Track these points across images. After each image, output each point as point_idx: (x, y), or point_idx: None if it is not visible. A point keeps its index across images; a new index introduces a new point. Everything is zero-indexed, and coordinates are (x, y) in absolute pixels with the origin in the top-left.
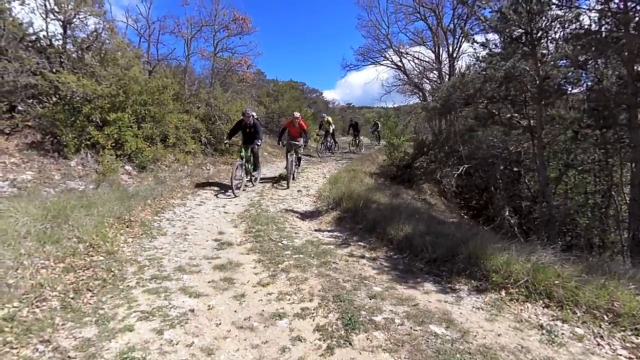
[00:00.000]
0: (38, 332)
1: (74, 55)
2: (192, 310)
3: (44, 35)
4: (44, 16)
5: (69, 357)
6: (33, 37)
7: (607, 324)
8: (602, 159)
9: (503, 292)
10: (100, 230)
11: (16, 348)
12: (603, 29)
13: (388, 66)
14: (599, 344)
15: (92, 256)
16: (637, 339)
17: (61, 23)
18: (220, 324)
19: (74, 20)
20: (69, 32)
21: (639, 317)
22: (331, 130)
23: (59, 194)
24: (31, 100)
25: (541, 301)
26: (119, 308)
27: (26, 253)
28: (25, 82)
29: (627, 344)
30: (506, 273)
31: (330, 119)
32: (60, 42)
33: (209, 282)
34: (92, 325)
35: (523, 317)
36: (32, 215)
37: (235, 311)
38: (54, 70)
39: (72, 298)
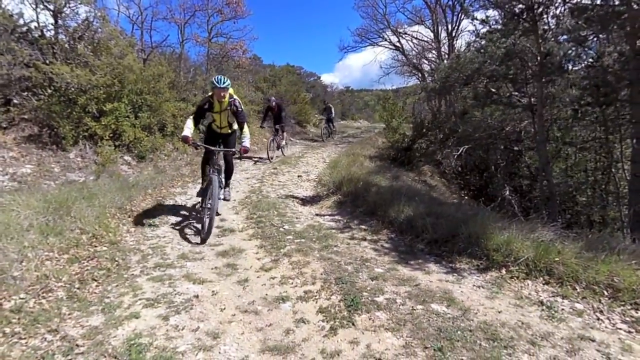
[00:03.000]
0: (45, 322)
1: (66, 45)
2: (197, 296)
3: (35, 26)
4: (34, 6)
5: (77, 345)
6: (24, 29)
7: (606, 299)
8: (602, 136)
9: (503, 270)
10: (102, 220)
11: (24, 338)
12: (607, 3)
13: (386, 47)
14: (598, 319)
15: (96, 246)
16: (637, 312)
17: (52, 13)
18: (224, 308)
19: (65, 9)
20: (60, 21)
21: (639, 291)
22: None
23: (59, 186)
24: (26, 93)
25: (541, 278)
26: (125, 296)
27: (30, 246)
28: (19, 75)
29: (627, 318)
30: (506, 251)
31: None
32: (52, 32)
33: (213, 268)
34: (98, 313)
35: (523, 294)
36: (33, 208)
37: (239, 296)
38: (47, 61)
39: (78, 288)
